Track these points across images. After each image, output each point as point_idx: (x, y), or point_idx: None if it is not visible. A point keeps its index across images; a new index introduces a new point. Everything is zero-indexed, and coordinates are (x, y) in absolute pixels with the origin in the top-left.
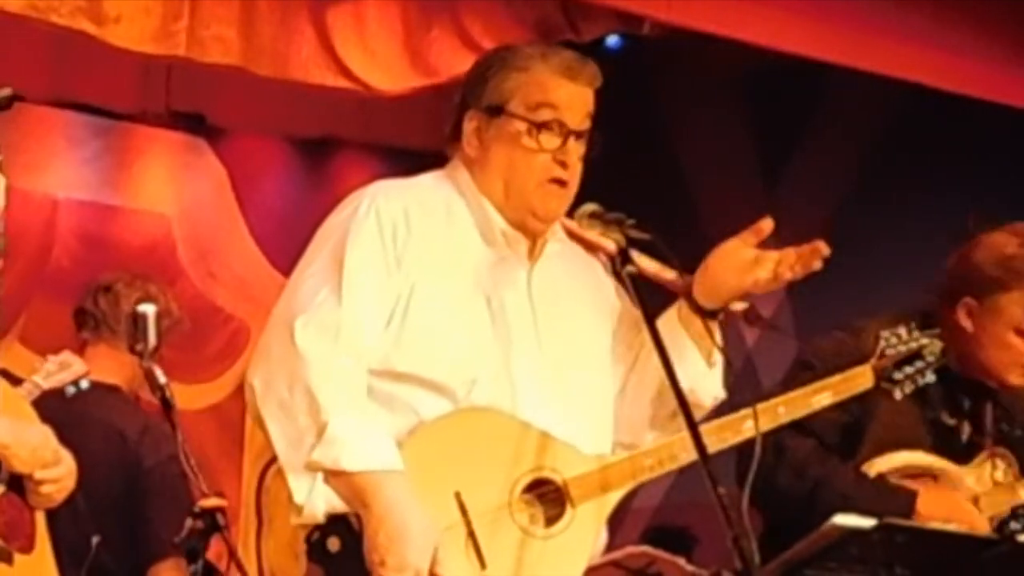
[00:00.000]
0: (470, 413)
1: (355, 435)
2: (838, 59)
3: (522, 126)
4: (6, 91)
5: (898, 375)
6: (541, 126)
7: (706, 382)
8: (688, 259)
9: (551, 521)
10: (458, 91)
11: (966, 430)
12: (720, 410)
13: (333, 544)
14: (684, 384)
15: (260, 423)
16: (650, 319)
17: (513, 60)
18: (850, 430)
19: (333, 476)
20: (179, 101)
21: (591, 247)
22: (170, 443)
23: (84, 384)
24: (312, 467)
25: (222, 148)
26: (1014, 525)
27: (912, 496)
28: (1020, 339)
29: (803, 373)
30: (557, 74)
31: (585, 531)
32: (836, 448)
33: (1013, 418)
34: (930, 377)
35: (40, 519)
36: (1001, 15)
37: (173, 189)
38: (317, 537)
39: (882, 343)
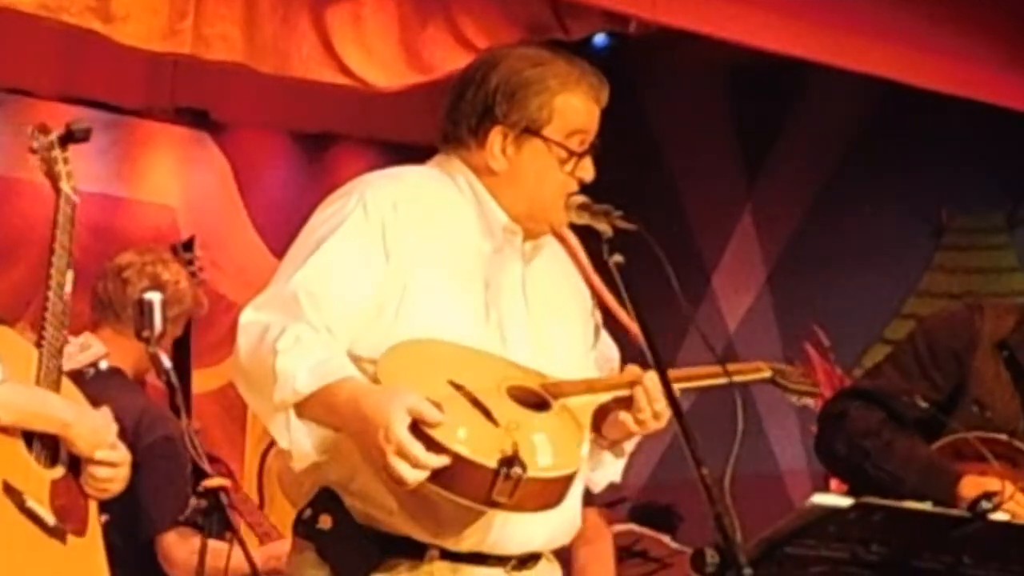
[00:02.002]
0: (435, 340)
1: (301, 361)
2: (816, 57)
3: (561, 153)
4: (84, 124)
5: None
6: (578, 154)
7: (607, 470)
8: (672, 249)
9: (539, 408)
10: (480, 95)
11: None
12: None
13: (325, 521)
14: (586, 471)
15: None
16: (636, 307)
17: (547, 80)
18: (942, 402)
19: (304, 408)
20: (184, 97)
21: (570, 249)
22: (167, 424)
23: (103, 365)
24: (280, 407)
25: (225, 142)
26: (985, 504)
27: (956, 478)
28: None
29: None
30: (591, 99)
31: (574, 422)
32: (920, 423)
33: None
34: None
35: (93, 508)
36: (972, 15)
37: (178, 181)
38: (309, 514)
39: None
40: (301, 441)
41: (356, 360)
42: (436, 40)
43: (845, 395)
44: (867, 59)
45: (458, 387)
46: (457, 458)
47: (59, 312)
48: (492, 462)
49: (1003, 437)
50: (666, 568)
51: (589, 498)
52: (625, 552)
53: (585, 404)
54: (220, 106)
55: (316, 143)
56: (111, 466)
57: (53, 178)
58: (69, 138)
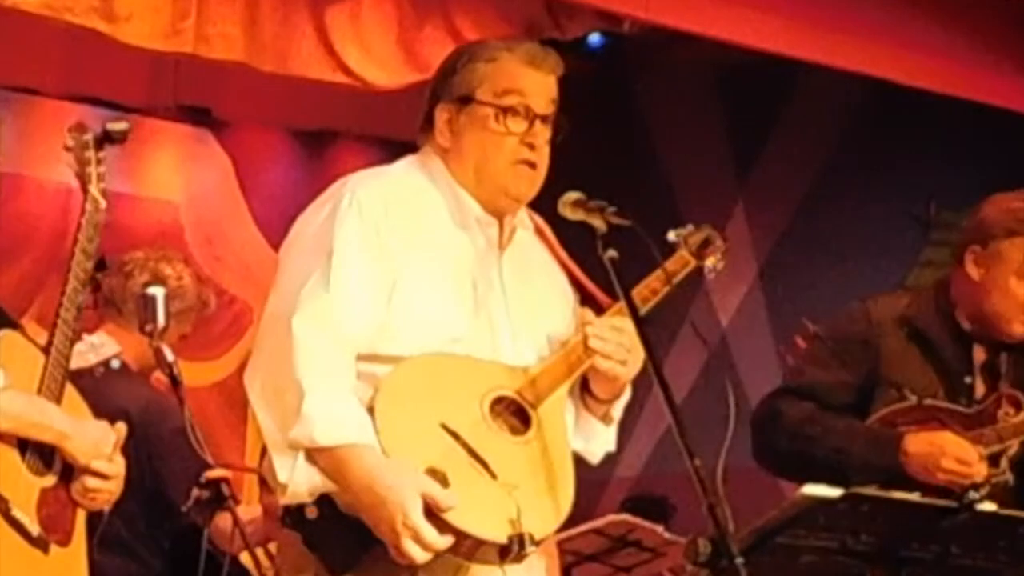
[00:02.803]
0: (420, 359)
1: (328, 412)
2: (807, 56)
3: (490, 111)
4: (123, 124)
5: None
6: (507, 110)
7: (600, 439)
8: (665, 244)
9: (521, 428)
10: (430, 83)
11: (980, 387)
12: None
13: (311, 511)
14: (578, 445)
15: (255, 415)
16: (629, 299)
17: (480, 52)
18: (862, 389)
19: (314, 453)
20: (186, 95)
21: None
22: (175, 416)
23: (115, 364)
24: (293, 446)
25: (227, 139)
26: (973, 494)
27: (899, 437)
28: (1021, 284)
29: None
30: (522, 63)
31: (556, 427)
32: (849, 408)
33: None
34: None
35: (80, 518)
36: (959, 15)
37: (181, 178)
38: (295, 504)
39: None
40: (300, 483)
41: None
42: (433, 39)
43: (772, 397)
44: (856, 58)
45: (453, 434)
46: (469, 537)
47: (70, 320)
48: (503, 537)
49: (914, 399)
50: (660, 558)
51: None
52: (619, 542)
53: (561, 395)
54: (222, 104)
55: (316, 140)
56: (103, 478)
57: (83, 180)
58: (106, 139)
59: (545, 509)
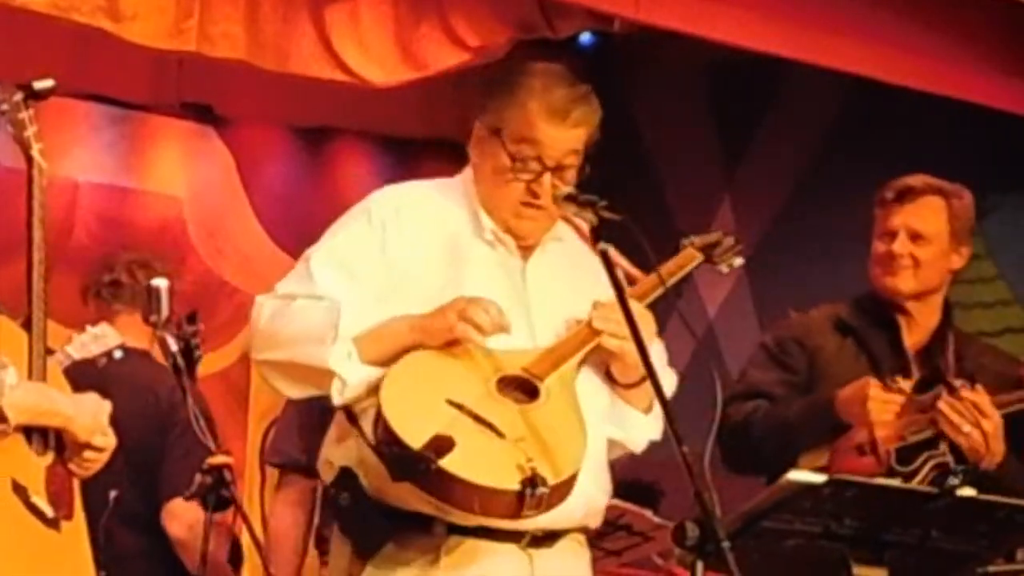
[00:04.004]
0: (424, 352)
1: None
2: (793, 54)
3: (506, 156)
4: (49, 82)
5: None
6: (518, 160)
7: (642, 429)
8: (655, 237)
9: (528, 400)
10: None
11: (916, 374)
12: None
13: (344, 499)
14: (616, 433)
15: (272, 375)
16: (621, 294)
17: (517, 90)
18: (802, 388)
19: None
20: (189, 92)
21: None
22: (197, 400)
23: (117, 355)
24: (339, 339)
25: (229, 136)
26: (953, 480)
27: (831, 396)
28: (883, 244)
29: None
30: (542, 116)
31: (565, 396)
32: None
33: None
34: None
35: (76, 488)
36: (944, 15)
37: (184, 173)
38: (332, 494)
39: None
40: (355, 379)
41: None
42: (430, 38)
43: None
44: (841, 57)
45: (458, 406)
46: (484, 489)
47: (41, 292)
48: (516, 485)
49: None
50: (649, 541)
51: None
52: (610, 526)
53: (569, 369)
54: (224, 101)
55: (315, 136)
56: (100, 451)
57: (24, 144)
58: (32, 95)
59: (555, 460)
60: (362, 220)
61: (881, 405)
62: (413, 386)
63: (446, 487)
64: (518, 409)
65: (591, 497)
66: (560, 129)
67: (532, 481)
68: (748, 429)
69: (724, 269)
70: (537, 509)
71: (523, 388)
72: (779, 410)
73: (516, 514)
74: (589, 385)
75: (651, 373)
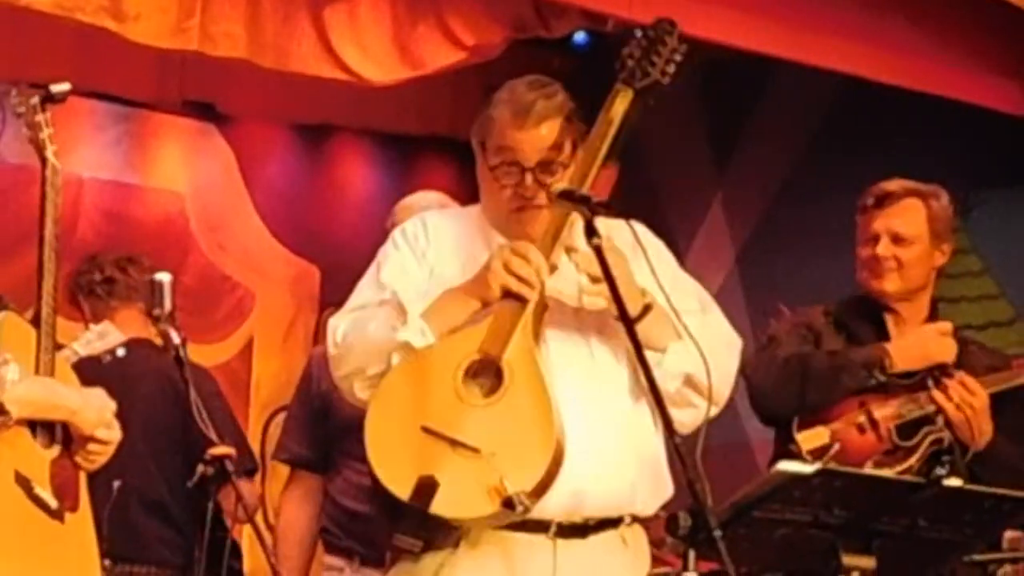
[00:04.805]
0: (402, 364)
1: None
2: (782, 53)
3: (487, 167)
4: (65, 86)
5: None
6: (497, 167)
7: (664, 365)
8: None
9: (495, 384)
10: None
11: None
12: None
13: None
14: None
15: (357, 386)
16: (612, 285)
17: (495, 103)
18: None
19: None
20: (191, 91)
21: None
22: (209, 382)
23: (120, 352)
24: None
25: (230, 133)
26: (940, 471)
27: (884, 348)
28: (867, 248)
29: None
30: (509, 123)
31: (526, 368)
32: None
33: None
34: None
35: (83, 480)
36: (928, 14)
37: (186, 169)
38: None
39: None
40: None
41: None
42: (427, 38)
43: (758, 352)
44: (829, 55)
45: (433, 433)
46: (470, 520)
47: (51, 289)
48: (496, 507)
49: None
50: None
51: None
52: None
53: (524, 337)
54: (225, 99)
55: (315, 134)
56: (105, 444)
57: (38, 146)
58: (49, 99)
59: (526, 459)
60: (397, 241)
61: (950, 342)
62: (390, 421)
63: (435, 525)
64: (485, 405)
65: (550, 450)
66: (524, 130)
67: (509, 502)
68: (807, 359)
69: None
70: (527, 510)
71: (488, 370)
72: (837, 351)
73: (506, 522)
74: (606, 364)
75: (645, 368)
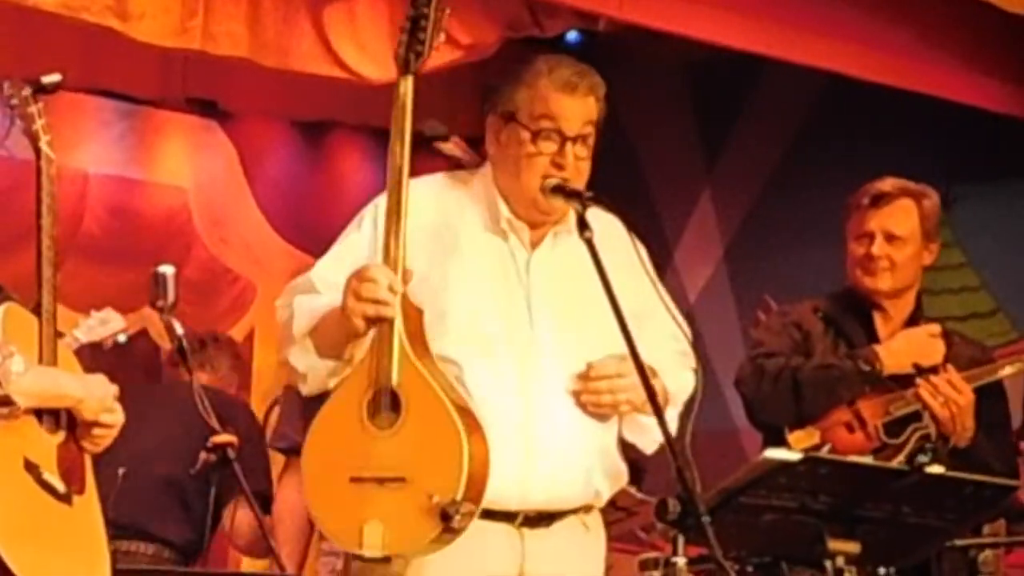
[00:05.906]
0: (325, 409)
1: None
2: (770, 52)
3: (527, 133)
4: (56, 76)
5: None
6: (540, 133)
7: (648, 435)
8: (638, 226)
9: (396, 412)
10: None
11: None
12: None
13: None
14: (634, 439)
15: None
16: (605, 278)
17: (523, 76)
18: (799, 349)
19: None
20: (194, 88)
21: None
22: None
23: (122, 339)
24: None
25: (232, 129)
26: (922, 458)
27: (873, 352)
28: (861, 246)
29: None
30: (556, 89)
31: (416, 389)
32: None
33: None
34: None
35: (88, 463)
36: (914, 13)
37: (189, 165)
38: None
39: None
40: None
41: None
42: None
43: (749, 361)
44: (816, 54)
45: (359, 479)
46: (423, 549)
47: (51, 277)
48: (439, 528)
49: None
50: (632, 516)
51: None
52: None
53: (405, 356)
54: (227, 97)
55: (315, 130)
56: (108, 427)
57: (33, 136)
58: (41, 90)
59: (447, 466)
60: (366, 219)
61: (939, 344)
62: (321, 483)
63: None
64: (393, 434)
65: (590, 473)
66: (573, 99)
67: (445, 514)
68: (796, 374)
69: None
70: (472, 517)
71: (388, 399)
72: (824, 360)
73: (455, 539)
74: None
75: (636, 359)
